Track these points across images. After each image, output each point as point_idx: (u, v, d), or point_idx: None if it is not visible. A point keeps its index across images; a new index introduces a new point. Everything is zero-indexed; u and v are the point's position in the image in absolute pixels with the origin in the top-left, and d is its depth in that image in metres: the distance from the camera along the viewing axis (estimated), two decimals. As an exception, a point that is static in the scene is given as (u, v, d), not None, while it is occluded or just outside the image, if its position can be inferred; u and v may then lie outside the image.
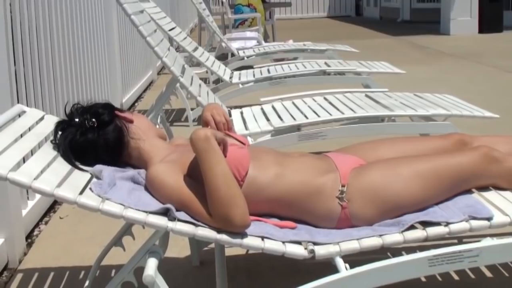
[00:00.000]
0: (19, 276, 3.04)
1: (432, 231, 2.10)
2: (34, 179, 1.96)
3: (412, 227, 2.12)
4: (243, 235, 2.06)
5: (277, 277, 2.88)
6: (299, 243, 2.10)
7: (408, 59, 9.88)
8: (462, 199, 2.26)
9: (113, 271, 2.95)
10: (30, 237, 3.47)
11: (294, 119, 3.64)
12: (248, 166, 2.21)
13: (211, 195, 2.06)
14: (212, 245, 2.88)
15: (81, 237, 3.45)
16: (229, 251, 2.84)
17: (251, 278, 2.90)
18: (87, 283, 2.53)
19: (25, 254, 3.27)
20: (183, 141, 2.56)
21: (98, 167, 2.21)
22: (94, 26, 5.62)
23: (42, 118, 2.50)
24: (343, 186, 2.20)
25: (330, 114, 3.66)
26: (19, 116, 2.45)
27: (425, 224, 2.13)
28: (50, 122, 2.45)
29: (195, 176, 2.17)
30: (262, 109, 4.03)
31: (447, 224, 2.11)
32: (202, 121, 2.54)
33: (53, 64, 4.19)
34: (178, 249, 3.14)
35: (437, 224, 2.12)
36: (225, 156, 2.16)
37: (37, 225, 3.64)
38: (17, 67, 3.55)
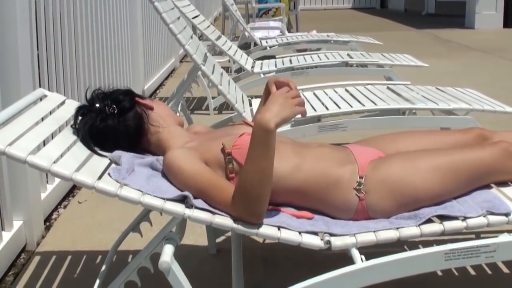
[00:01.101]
0: (36, 259, 3.07)
1: (449, 225, 2.09)
2: (53, 162, 1.96)
3: (429, 220, 2.11)
4: (259, 224, 2.06)
5: (293, 267, 2.89)
6: (315, 233, 2.10)
7: (431, 52, 9.82)
8: (480, 194, 2.24)
9: (130, 257, 2.96)
10: (48, 221, 3.50)
11: (315, 110, 3.64)
12: (266, 156, 2.20)
13: (243, 186, 2.01)
14: (229, 234, 2.89)
15: (99, 222, 3.47)
16: (245, 240, 2.85)
17: (267, 268, 2.90)
18: (104, 267, 2.54)
19: (43, 237, 3.30)
20: (201, 128, 2.56)
21: (117, 152, 2.22)
22: (117, 13, 5.63)
23: (63, 103, 2.51)
24: (361, 177, 2.19)
25: (351, 106, 3.65)
26: (40, 100, 2.46)
27: (443, 218, 2.12)
28: (71, 106, 2.46)
29: (213, 165, 2.17)
30: (282, 99, 4.02)
31: (465, 218, 2.10)
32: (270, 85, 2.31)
33: (75, 50, 4.20)
34: (195, 237, 3.15)
35: (455, 218, 2.11)
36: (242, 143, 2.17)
37: (55, 208, 3.67)
38: (39, 51, 3.57)
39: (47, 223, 3.46)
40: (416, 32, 13.54)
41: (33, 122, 2.20)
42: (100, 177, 2.02)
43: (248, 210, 2.02)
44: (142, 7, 6.67)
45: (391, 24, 15.81)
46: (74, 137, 2.27)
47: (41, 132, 2.18)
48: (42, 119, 2.30)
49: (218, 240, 3.03)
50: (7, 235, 3.03)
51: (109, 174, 2.06)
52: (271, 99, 2.06)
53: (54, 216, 3.59)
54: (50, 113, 2.40)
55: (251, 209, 2.02)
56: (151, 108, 2.39)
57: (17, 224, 3.13)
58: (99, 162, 2.17)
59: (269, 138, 1.99)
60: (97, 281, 2.45)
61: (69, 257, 3.06)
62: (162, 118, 2.38)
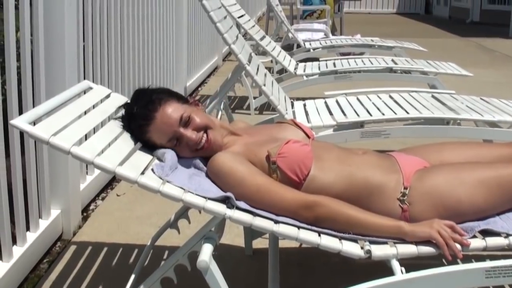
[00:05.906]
0: (72, 248, 3.08)
1: (492, 241, 2.05)
2: (97, 155, 1.96)
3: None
4: (299, 228, 2.04)
5: (330, 273, 2.86)
6: (355, 241, 2.08)
7: (475, 61, 9.72)
8: (524, 211, 2.21)
9: (166, 252, 2.96)
10: (86, 211, 3.52)
11: (358, 115, 3.62)
12: (311, 165, 2.19)
13: (332, 213, 2.09)
14: (266, 236, 2.88)
15: (136, 216, 3.48)
16: (282, 243, 2.83)
17: (303, 272, 2.88)
18: (140, 261, 2.54)
19: (80, 227, 3.32)
20: (244, 125, 2.55)
21: (161, 150, 2.20)
22: (164, 10, 5.64)
23: (108, 96, 2.51)
24: (405, 188, 2.17)
25: (395, 113, 3.62)
26: (84, 92, 2.46)
27: (484, 233, 2.09)
28: (116, 100, 2.46)
29: (259, 166, 2.17)
30: (325, 102, 4.01)
31: (507, 235, 2.07)
32: None
33: (121, 43, 4.22)
34: (232, 237, 3.14)
35: (497, 234, 2.08)
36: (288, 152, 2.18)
37: (93, 200, 3.69)
38: (85, 43, 3.58)
39: (84, 214, 3.47)
40: (459, 40, 13.42)
41: (78, 114, 2.20)
42: (143, 172, 2.01)
43: (314, 218, 2.08)
44: (188, 5, 6.68)
45: (435, 30, 15.70)
46: (118, 131, 2.26)
47: (86, 124, 2.18)
48: (85, 112, 2.30)
49: (255, 241, 3.02)
50: (44, 223, 3.05)
51: (152, 170, 2.06)
52: (431, 223, 2.07)
53: (91, 207, 3.60)
54: (93, 106, 2.39)
55: (318, 219, 2.08)
56: None
57: (54, 212, 3.16)
58: (142, 157, 2.16)
59: (386, 231, 2.08)
60: (133, 275, 2.45)
61: (105, 249, 3.07)
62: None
